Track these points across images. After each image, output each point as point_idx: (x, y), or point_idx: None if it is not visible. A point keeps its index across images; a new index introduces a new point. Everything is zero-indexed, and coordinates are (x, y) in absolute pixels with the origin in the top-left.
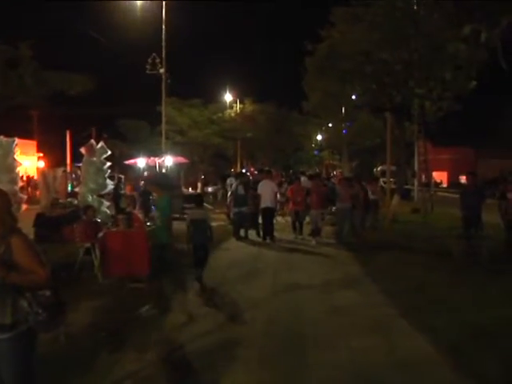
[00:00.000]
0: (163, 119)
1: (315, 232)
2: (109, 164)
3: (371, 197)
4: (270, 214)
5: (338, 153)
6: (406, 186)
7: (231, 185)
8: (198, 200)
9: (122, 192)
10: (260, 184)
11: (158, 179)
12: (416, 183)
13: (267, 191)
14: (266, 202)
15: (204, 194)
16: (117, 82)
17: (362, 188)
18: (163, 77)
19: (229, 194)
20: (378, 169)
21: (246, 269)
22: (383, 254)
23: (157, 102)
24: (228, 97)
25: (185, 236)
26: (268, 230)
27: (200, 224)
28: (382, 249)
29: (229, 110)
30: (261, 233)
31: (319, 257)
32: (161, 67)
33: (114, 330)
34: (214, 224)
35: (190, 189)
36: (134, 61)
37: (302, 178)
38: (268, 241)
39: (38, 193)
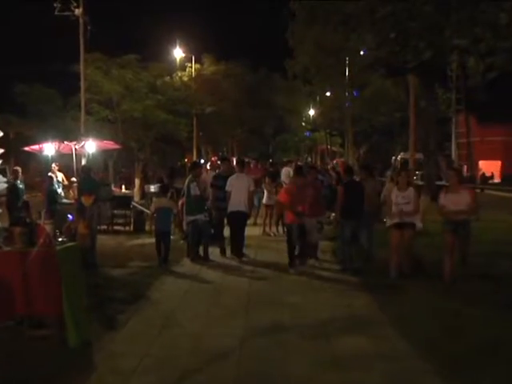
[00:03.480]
0: (82, 85)
1: (305, 251)
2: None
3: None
4: (243, 221)
5: (340, 134)
6: (439, 182)
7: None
8: (163, 188)
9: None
10: (231, 179)
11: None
12: None
13: (241, 189)
14: (237, 203)
15: (144, 195)
16: (12, 28)
17: (375, 183)
18: (80, 21)
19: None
20: (398, 157)
21: (206, 304)
22: (404, 280)
23: (72, 60)
24: (178, 53)
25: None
26: (240, 243)
27: (165, 212)
28: (402, 273)
29: (180, 73)
30: (227, 251)
31: (312, 286)
32: (76, 7)
33: None
34: None
35: (124, 187)
36: None
37: (283, 170)
38: (237, 262)
39: None
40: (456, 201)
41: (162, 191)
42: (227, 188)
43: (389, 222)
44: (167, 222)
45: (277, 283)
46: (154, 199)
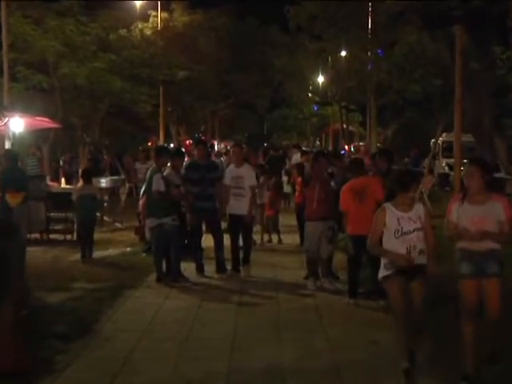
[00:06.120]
0: (4, 40)
1: (315, 267)
2: None
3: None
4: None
5: (360, 109)
6: (497, 174)
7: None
8: (86, 175)
9: None
10: (230, 170)
11: None
12: None
13: (246, 183)
14: (242, 205)
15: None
16: None
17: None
18: None
19: (141, 191)
20: (439, 140)
21: (176, 340)
22: (441, 308)
23: None
24: None
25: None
26: (247, 254)
27: (89, 199)
28: (438, 298)
29: (140, 24)
30: (204, 266)
31: (322, 314)
32: None
33: None
34: (113, 252)
35: (64, 181)
36: None
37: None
38: (221, 281)
39: None
40: (478, 217)
41: (85, 179)
42: (228, 181)
43: (385, 268)
44: (92, 210)
45: (273, 311)
46: (75, 188)
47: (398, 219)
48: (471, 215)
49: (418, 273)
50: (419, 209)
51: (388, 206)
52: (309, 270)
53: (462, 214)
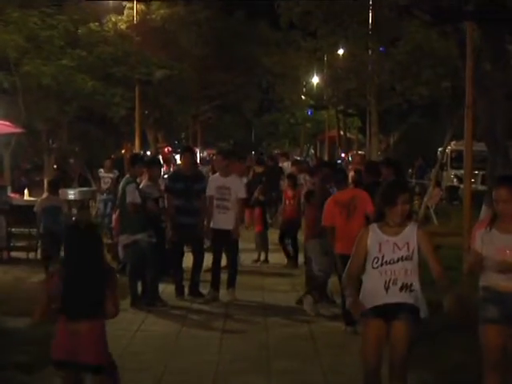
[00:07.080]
0: None
1: (314, 289)
2: None
3: None
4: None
5: (359, 114)
6: None
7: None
8: (52, 185)
9: None
10: (214, 179)
11: None
12: None
13: (233, 195)
14: (227, 218)
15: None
16: None
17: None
18: None
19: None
20: (447, 149)
21: (152, 371)
22: (453, 337)
23: None
24: None
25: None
26: (233, 276)
27: (53, 213)
28: (447, 326)
29: (114, 18)
30: (186, 288)
31: (314, 341)
32: None
33: None
34: None
35: (27, 193)
36: None
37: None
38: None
39: None
40: (510, 248)
41: (52, 187)
42: (210, 192)
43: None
44: (58, 224)
45: (261, 339)
46: (40, 199)
47: (380, 244)
48: (502, 245)
49: (402, 312)
50: (410, 232)
51: (373, 226)
52: (317, 293)
53: (488, 242)
